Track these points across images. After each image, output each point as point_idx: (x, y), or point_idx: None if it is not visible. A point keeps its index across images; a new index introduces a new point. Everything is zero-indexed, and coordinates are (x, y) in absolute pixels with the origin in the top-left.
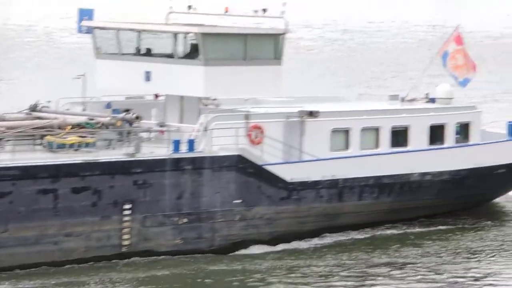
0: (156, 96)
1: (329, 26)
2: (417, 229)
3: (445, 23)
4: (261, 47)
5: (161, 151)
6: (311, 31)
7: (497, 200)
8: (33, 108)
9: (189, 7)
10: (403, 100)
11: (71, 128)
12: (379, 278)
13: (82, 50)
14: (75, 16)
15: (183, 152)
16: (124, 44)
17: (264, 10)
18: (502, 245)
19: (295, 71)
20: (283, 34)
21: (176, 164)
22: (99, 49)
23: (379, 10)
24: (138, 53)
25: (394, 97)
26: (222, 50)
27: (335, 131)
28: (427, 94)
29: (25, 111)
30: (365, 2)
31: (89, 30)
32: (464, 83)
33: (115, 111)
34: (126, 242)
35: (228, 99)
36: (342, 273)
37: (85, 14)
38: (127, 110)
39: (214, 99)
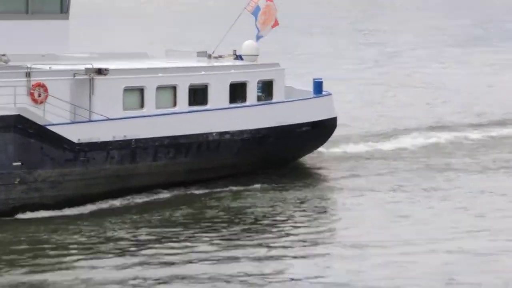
0: None
1: None
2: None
3: None
4: (46, 3)
5: None
6: None
7: (303, 159)
8: None
9: None
10: (210, 57)
11: None
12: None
13: None
14: None
15: None
16: None
17: None
18: (301, 205)
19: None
20: None
21: None
22: None
23: None
24: None
25: (201, 54)
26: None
27: (127, 89)
28: (234, 51)
29: None
30: None
31: None
32: (259, 38)
33: None
34: None
35: (21, 55)
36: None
37: None
38: None
39: (3, 55)
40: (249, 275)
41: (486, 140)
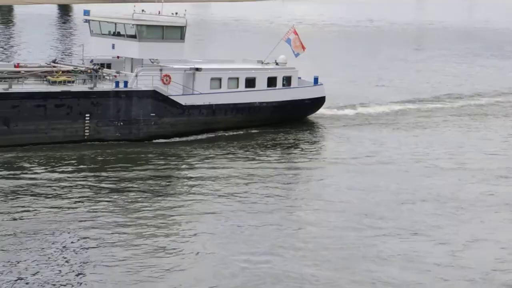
0: (118, 57)
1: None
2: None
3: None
4: (172, 32)
5: (108, 86)
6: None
7: (308, 118)
8: (54, 61)
9: (142, 10)
10: (261, 63)
11: (62, 72)
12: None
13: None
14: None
15: (121, 87)
16: (103, 29)
17: (177, 13)
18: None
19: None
20: (184, 26)
21: (116, 93)
22: (92, 31)
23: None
24: (109, 34)
25: (260, 61)
26: (149, 34)
27: (212, 78)
28: (275, 60)
29: (49, 62)
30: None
31: (87, 21)
32: (297, 55)
33: (94, 64)
34: (86, 134)
35: (161, 60)
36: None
37: (86, 12)
38: (102, 64)
39: (156, 59)
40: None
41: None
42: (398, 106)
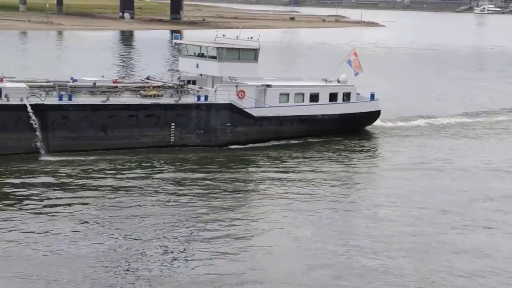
0: (201, 75)
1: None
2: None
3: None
4: (247, 54)
5: (191, 99)
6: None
7: (365, 129)
8: (147, 77)
9: (224, 35)
10: (325, 80)
11: (153, 87)
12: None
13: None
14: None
15: (202, 101)
16: (189, 50)
17: (252, 37)
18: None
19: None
20: (258, 49)
21: (197, 106)
22: (180, 52)
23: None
24: (194, 54)
25: (324, 79)
26: (228, 55)
27: (281, 94)
28: (337, 78)
29: (143, 78)
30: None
31: (177, 44)
32: (356, 74)
33: (181, 81)
34: (172, 140)
35: (237, 77)
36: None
37: (176, 37)
38: (188, 81)
39: (234, 77)
40: None
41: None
42: (461, 118)
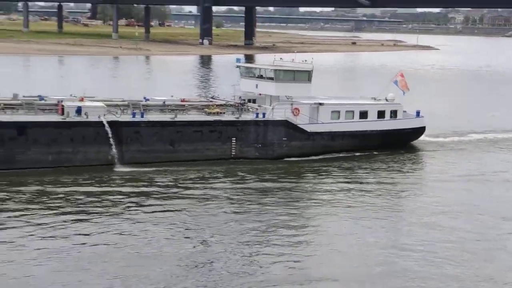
0: (260, 94)
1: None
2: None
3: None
4: (301, 75)
5: (250, 116)
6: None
7: (411, 143)
8: (212, 97)
9: (281, 58)
10: (374, 99)
11: (217, 106)
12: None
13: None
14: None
15: (260, 118)
16: (249, 72)
17: (306, 60)
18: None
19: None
20: (311, 70)
21: (256, 122)
22: (241, 74)
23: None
24: (254, 76)
25: (373, 98)
26: (284, 76)
27: (333, 111)
28: (385, 97)
29: (208, 98)
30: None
31: (238, 66)
32: (404, 93)
33: (242, 100)
34: (233, 153)
35: (293, 96)
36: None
37: (238, 60)
38: (249, 100)
39: (290, 96)
40: None
41: None
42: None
